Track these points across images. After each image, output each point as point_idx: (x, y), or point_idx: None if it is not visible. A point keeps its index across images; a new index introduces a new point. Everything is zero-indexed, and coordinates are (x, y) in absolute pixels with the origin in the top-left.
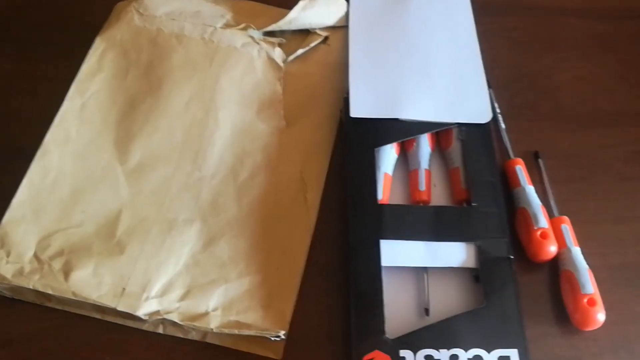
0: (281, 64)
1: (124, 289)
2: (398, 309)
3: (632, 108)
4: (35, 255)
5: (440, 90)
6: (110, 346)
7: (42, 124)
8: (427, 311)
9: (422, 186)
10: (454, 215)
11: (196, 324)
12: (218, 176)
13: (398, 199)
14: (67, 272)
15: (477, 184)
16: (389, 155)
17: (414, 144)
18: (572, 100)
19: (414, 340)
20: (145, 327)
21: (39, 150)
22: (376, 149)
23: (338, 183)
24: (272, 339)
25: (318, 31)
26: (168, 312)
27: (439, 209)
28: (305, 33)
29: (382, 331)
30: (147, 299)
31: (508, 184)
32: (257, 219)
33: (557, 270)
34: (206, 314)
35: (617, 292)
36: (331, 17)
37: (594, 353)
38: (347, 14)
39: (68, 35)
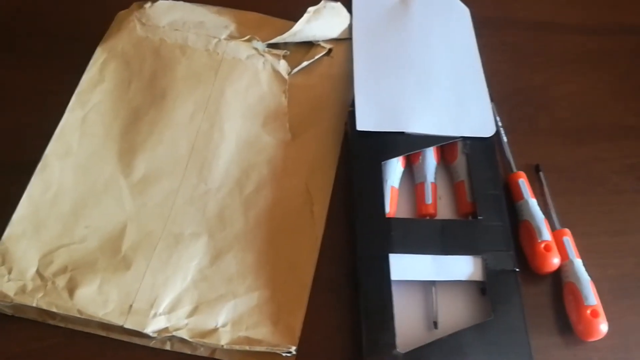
0: (286, 76)
1: (131, 305)
2: (407, 322)
3: (627, 122)
4: (38, 272)
5: (444, 103)
6: None
7: (44, 137)
8: (435, 324)
9: (429, 199)
10: (461, 228)
11: (206, 340)
12: (224, 189)
13: (404, 212)
14: (71, 289)
15: (482, 197)
16: (395, 169)
17: (420, 157)
18: (569, 114)
19: (424, 354)
20: (152, 344)
21: (39, 164)
22: (383, 162)
23: (344, 195)
24: (284, 354)
25: (322, 43)
26: (177, 329)
27: (446, 222)
28: (309, 45)
29: (393, 345)
30: (155, 315)
31: (511, 197)
32: (264, 232)
33: (560, 282)
34: (216, 330)
35: (617, 303)
36: (335, 29)
37: None
38: (350, 27)
39: (70, 45)
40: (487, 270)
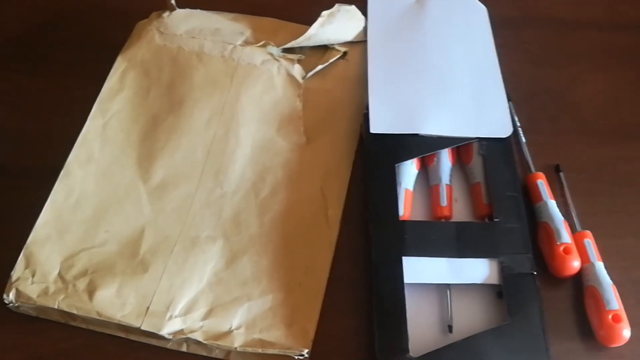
0: (300, 81)
1: (147, 308)
2: (421, 326)
3: None
4: (60, 275)
5: (460, 104)
6: None
7: (68, 143)
8: (450, 328)
9: (444, 201)
10: (477, 230)
11: (220, 342)
12: (239, 193)
13: (419, 214)
14: (91, 291)
15: (499, 199)
16: (409, 171)
17: (435, 159)
18: (593, 114)
19: (438, 358)
20: (169, 345)
21: (62, 171)
22: (397, 165)
23: (359, 199)
24: (297, 357)
25: (337, 47)
26: (192, 331)
27: (461, 224)
28: (324, 49)
29: (406, 349)
30: (170, 317)
31: (529, 198)
32: (279, 236)
33: (580, 286)
34: (230, 332)
35: None
36: (350, 32)
37: None
38: (365, 29)
39: (93, 54)
40: (503, 273)
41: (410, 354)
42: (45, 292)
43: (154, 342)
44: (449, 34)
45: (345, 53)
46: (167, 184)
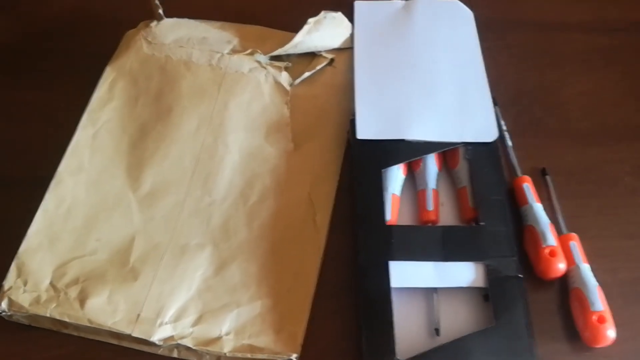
0: (288, 88)
1: (138, 315)
2: (408, 329)
3: (638, 121)
4: (52, 284)
5: (446, 109)
6: None
7: (59, 153)
8: (437, 331)
9: (430, 206)
10: (463, 234)
11: (209, 348)
12: (228, 200)
13: (406, 219)
14: (82, 299)
15: (485, 202)
16: (396, 176)
17: (421, 164)
18: (578, 116)
19: None
20: (160, 352)
21: (53, 180)
22: (383, 170)
23: (346, 204)
24: None
25: (324, 54)
26: (182, 337)
27: (447, 228)
28: (311, 56)
29: (394, 353)
30: (161, 324)
31: (516, 201)
32: (268, 242)
33: (566, 288)
34: (219, 338)
35: (629, 308)
36: (336, 39)
37: None
38: (352, 36)
39: (82, 64)
40: (490, 276)
41: (398, 357)
42: (37, 301)
43: (145, 348)
44: (435, 40)
45: (332, 60)
46: (156, 193)
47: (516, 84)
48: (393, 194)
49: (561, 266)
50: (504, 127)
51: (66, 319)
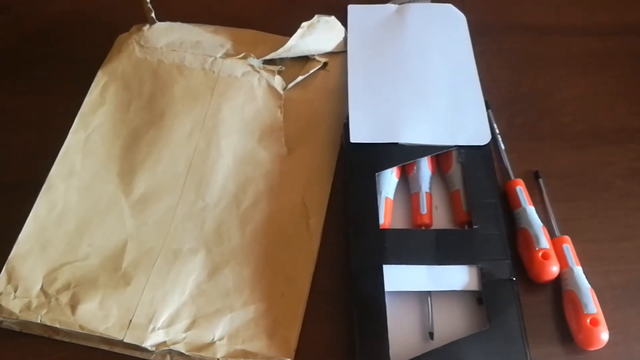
0: (281, 92)
1: (130, 320)
2: (402, 333)
3: (631, 125)
4: (42, 290)
5: (439, 113)
6: None
7: (50, 158)
8: (431, 335)
9: (424, 209)
10: (456, 238)
11: (202, 354)
12: (221, 205)
13: (400, 223)
14: (73, 305)
15: (478, 206)
16: (389, 180)
17: (415, 167)
18: (571, 119)
19: None
20: (152, 357)
21: (45, 185)
22: (377, 174)
23: (340, 208)
24: None
25: (317, 57)
26: (174, 343)
27: (440, 232)
28: (305, 59)
29: (387, 356)
30: (153, 330)
31: (509, 204)
32: (261, 247)
33: (559, 290)
34: (212, 343)
35: (621, 310)
36: (330, 43)
37: None
38: (345, 40)
39: (74, 68)
40: (483, 279)
41: None
42: (27, 307)
43: (137, 354)
44: (428, 43)
45: (325, 64)
46: (148, 197)
47: (509, 87)
48: (386, 198)
49: (554, 269)
50: (497, 131)
51: (57, 325)
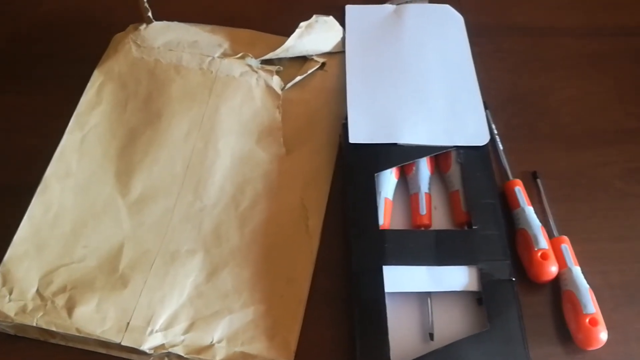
0: (279, 92)
1: (128, 323)
2: (402, 334)
3: (628, 125)
4: (38, 292)
5: (437, 113)
6: None
7: (44, 159)
8: (431, 336)
9: (423, 210)
10: (456, 238)
11: (201, 356)
12: (219, 205)
13: (399, 223)
14: (70, 308)
15: (477, 206)
16: (389, 180)
17: (414, 168)
18: (569, 120)
19: None
20: None
21: (40, 185)
22: (376, 174)
23: (339, 208)
24: None
25: (315, 57)
26: (173, 346)
27: (440, 233)
28: (303, 60)
29: (387, 358)
30: (151, 332)
31: (507, 205)
32: (259, 248)
33: (558, 290)
34: (211, 346)
35: (620, 310)
36: (328, 43)
37: None
38: (343, 40)
39: (70, 68)
40: (483, 280)
41: None
42: (23, 310)
43: (134, 357)
44: (426, 44)
45: (323, 64)
46: (146, 198)
47: (507, 88)
48: (386, 198)
49: (553, 269)
50: (495, 131)
51: (53, 328)
